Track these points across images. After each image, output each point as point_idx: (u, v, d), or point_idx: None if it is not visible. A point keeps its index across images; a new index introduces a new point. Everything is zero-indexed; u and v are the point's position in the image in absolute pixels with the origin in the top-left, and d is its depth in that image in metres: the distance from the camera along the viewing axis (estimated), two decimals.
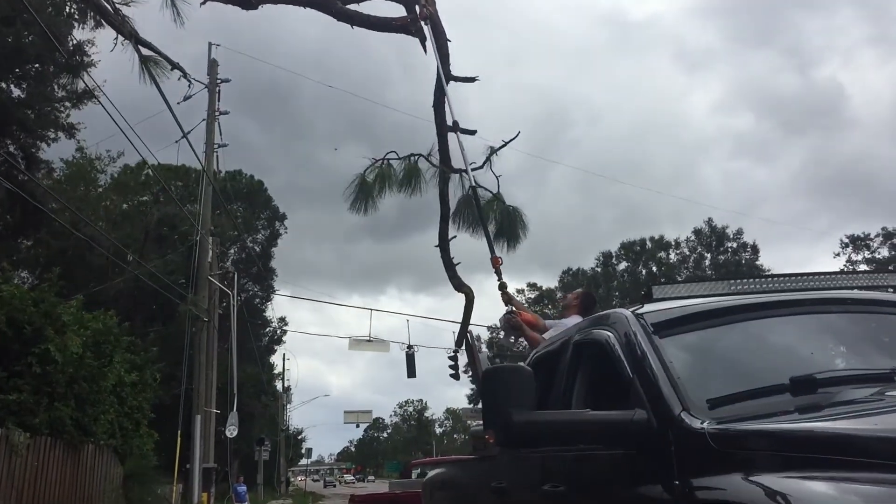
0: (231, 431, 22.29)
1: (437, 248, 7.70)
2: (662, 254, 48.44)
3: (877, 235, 44.47)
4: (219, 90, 21.77)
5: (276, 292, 50.89)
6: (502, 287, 6.46)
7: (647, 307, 3.39)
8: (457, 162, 7.43)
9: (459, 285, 7.73)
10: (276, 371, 53.63)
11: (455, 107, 7.24)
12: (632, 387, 2.94)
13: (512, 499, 3.96)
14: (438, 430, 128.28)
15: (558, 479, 3.46)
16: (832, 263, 44.56)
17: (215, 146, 21.72)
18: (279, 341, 52.95)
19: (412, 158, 7.49)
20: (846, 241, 45.24)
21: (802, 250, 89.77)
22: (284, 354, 53.71)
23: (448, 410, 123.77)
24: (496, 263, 6.53)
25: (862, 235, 44.42)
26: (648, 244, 49.21)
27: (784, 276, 3.86)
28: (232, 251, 49.10)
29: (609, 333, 3.33)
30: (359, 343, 28.82)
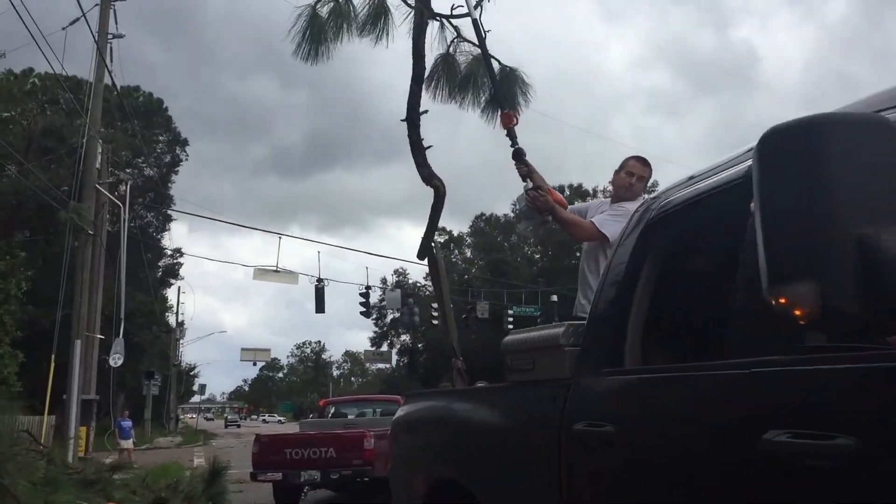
0: (115, 360, 19.92)
1: (405, 123, 5.82)
2: (580, 202, 47.52)
3: None
4: None
5: (174, 220, 47.77)
6: (518, 155, 4.69)
7: None
8: (438, 4, 5.56)
9: (429, 176, 5.93)
10: (169, 304, 50.66)
11: None
12: None
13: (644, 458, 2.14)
14: (336, 373, 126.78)
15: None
16: None
17: (109, 36, 18.90)
18: (175, 274, 49.98)
19: None
20: None
21: None
22: (179, 287, 50.70)
23: (347, 353, 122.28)
24: (508, 121, 4.75)
25: None
26: (567, 192, 48.24)
27: None
28: (126, 175, 45.64)
29: None
30: (265, 273, 26.61)
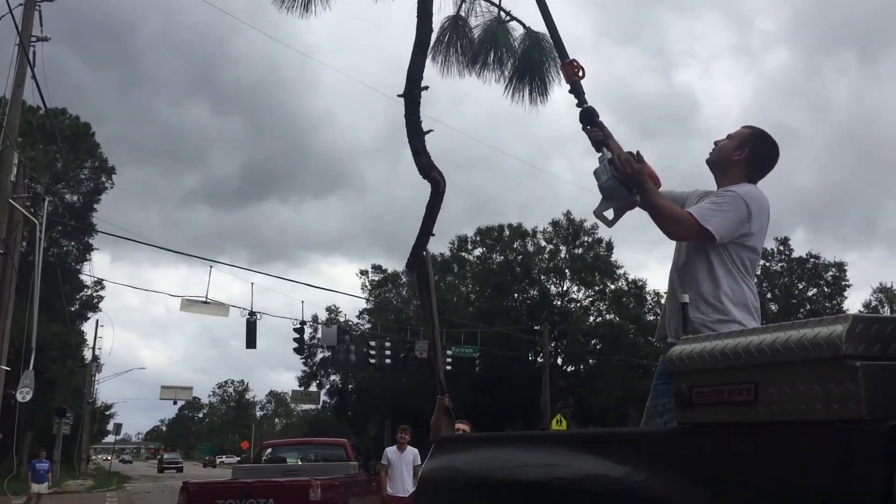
0: (23, 395, 17.91)
1: (402, 99, 4.65)
2: (518, 241, 46.79)
3: None
4: None
5: (95, 249, 45.29)
6: (588, 116, 3.52)
7: None
8: None
9: (428, 166, 4.78)
10: (86, 337, 47.82)
11: None
12: None
13: None
14: (259, 413, 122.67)
15: None
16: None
17: (32, 38, 17.28)
18: (94, 307, 47.26)
19: None
20: None
21: (638, 255, 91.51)
22: (98, 320, 47.91)
23: (271, 393, 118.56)
24: (572, 72, 3.60)
25: None
26: (506, 231, 47.46)
27: None
28: (42, 189, 43.12)
29: None
30: (193, 304, 24.79)
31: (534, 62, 4.73)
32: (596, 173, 3.36)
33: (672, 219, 3.14)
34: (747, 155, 3.26)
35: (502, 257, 47.42)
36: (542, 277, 46.35)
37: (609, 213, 3.42)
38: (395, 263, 59.20)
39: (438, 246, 58.64)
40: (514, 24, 5.09)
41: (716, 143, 3.37)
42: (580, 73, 3.61)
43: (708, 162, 3.39)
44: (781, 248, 47.79)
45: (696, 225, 3.06)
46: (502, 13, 4.88)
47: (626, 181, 3.21)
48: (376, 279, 57.92)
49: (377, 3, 5.11)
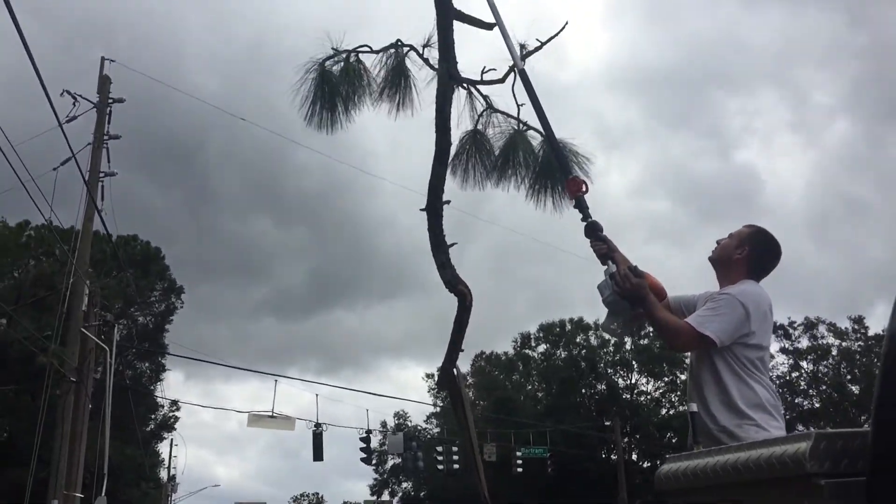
0: None
1: (424, 213, 4.85)
2: (582, 336, 46.32)
3: (799, 324, 43.91)
4: (110, 110, 18.56)
5: (168, 370, 46.28)
6: (593, 230, 3.64)
7: None
8: (465, 68, 4.72)
9: (453, 280, 4.84)
10: (161, 458, 48.25)
11: None
12: None
13: None
14: None
15: None
16: None
17: (101, 174, 18.34)
18: (170, 427, 47.89)
19: (398, 49, 4.75)
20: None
21: None
22: (172, 440, 48.39)
23: (345, 503, 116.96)
24: (576, 189, 3.75)
25: (784, 324, 43.65)
26: (568, 326, 47.06)
27: None
28: (113, 317, 44.46)
29: None
30: (259, 419, 25.06)
31: (554, 167, 4.90)
32: (599, 288, 3.47)
33: (672, 331, 3.23)
34: (748, 253, 3.34)
35: (566, 352, 46.87)
36: (609, 371, 45.58)
37: (616, 327, 3.50)
38: (461, 364, 58.75)
39: (502, 345, 58.11)
40: (532, 132, 5.29)
41: (718, 242, 3.48)
42: (584, 189, 3.77)
43: (710, 260, 3.49)
44: (856, 326, 46.21)
45: (695, 333, 3.12)
46: (520, 124, 5.10)
47: (627, 296, 3.31)
48: (465, 371, 57.54)
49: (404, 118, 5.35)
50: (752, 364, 3.17)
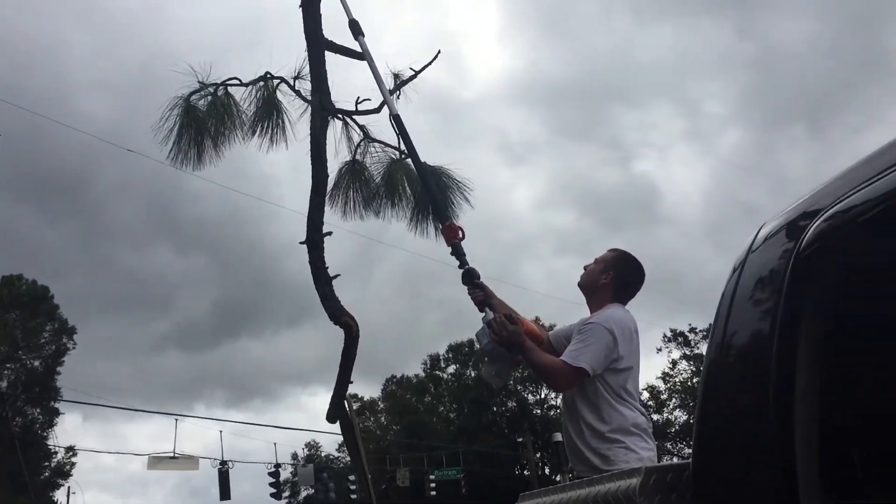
0: None
1: (304, 246, 4.68)
2: None
3: (701, 331, 45.04)
4: None
5: (62, 413, 44.11)
6: (469, 277, 3.59)
7: None
8: (340, 97, 4.58)
9: (338, 312, 4.73)
10: None
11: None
12: None
13: None
14: None
15: None
16: (656, 357, 44.73)
17: None
18: (66, 474, 45.54)
19: (268, 83, 4.56)
20: (668, 335, 45.59)
21: None
22: (69, 487, 46.05)
23: None
24: (453, 235, 3.66)
25: (685, 331, 44.78)
26: (476, 345, 47.27)
27: None
28: (8, 370, 42.20)
29: None
30: (160, 461, 24.02)
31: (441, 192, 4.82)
32: (477, 336, 3.43)
33: (550, 373, 3.25)
34: (612, 278, 3.39)
35: (476, 372, 47.06)
36: (519, 387, 45.93)
37: (495, 374, 3.45)
38: (371, 390, 58.33)
39: (413, 367, 57.77)
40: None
41: (585, 268, 3.50)
42: (461, 235, 3.70)
43: (579, 286, 3.51)
44: None
45: (571, 369, 3.13)
46: (400, 153, 5.00)
47: (504, 343, 3.26)
48: (356, 406, 56.92)
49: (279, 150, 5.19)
50: (623, 388, 3.22)
